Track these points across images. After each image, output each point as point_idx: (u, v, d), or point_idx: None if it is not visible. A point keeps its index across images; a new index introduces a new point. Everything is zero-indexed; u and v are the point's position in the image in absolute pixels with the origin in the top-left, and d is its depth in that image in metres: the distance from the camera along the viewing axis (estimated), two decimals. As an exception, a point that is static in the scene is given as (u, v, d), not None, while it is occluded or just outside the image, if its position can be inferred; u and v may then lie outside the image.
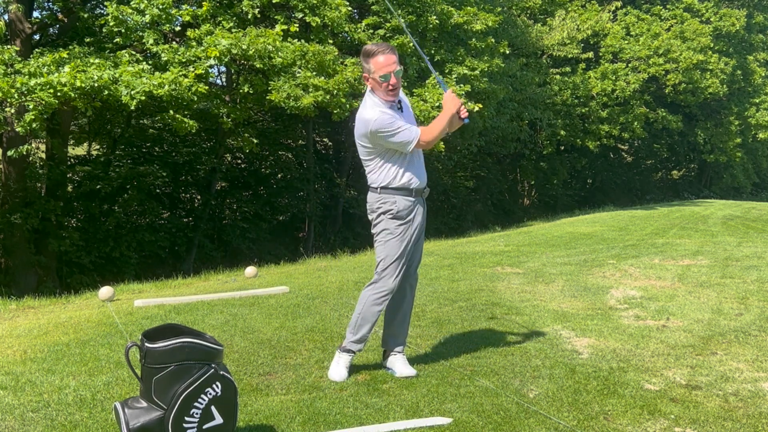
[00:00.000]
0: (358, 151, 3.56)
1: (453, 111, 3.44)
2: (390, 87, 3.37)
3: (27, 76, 8.72)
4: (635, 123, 21.67)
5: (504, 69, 14.48)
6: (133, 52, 10.08)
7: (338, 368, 3.56)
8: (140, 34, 9.80)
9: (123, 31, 9.69)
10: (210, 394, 2.53)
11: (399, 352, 3.68)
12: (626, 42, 21.28)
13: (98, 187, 13.89)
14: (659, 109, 23.14)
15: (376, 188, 3.50)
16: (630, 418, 3.02)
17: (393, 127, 3.37)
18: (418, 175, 3.51)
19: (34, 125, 8.79)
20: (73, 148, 16.08)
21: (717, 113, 25.89)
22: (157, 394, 2.48)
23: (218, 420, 2.56)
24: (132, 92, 8.85)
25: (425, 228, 3.67)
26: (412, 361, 3.78)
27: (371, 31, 12.01)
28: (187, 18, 10.16)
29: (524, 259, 8.12)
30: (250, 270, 7.49)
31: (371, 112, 3.39)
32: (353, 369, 3.67)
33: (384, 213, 3.48)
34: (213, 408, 2.54)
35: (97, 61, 9.21)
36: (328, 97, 10.11)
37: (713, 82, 21.52)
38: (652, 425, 2.95)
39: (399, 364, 3.62)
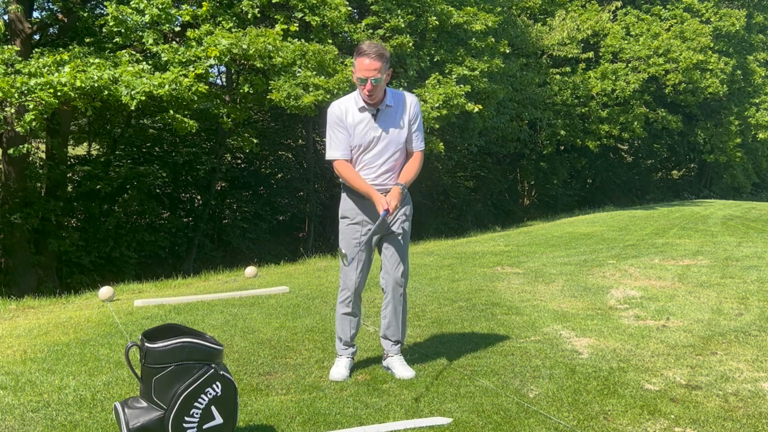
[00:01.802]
0: None
1: (375, 200, 3.40)
2: (366, 92, 3.37)
3: (27, 76, 8.72)
4: (635, 123, 21.66)
5: (504, 69, 14.48)
6: (133, 52, 10.09)
7: (336, 368, 3.59)
8: (140, 34, 9.80)
9: (123, 31, 9.69)
10: (210, 394, 2.53)
11: (395, 354, 3.67)
12: (626, 42, 21.27)
13: (98, 187, 13.88)
14: (659, 109, 23.13)
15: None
16: (630, 418, 3.02)
17: (329, 131, 3.53)
18: (368, 176, 3.48)
19: (33, 125, 8.79)
20: (73, 148, 16.08)
21: (717, 113, 25.89)
22: (157, 394, 2.48)
23: (218, 420, 2.56)
24: (132, 92, 8.85)
25: (407, 227, 3.62)
26: (412, 361, 3.78)
27: (371, 31, 12.01)
28: (187, 18, 10.16)
29: (524, 259, 8.12)
30: (250, 270, 7.49)
31: (336, 101, 3.52)
32: (353, 369, 3.67)
33: (339, 211, 3.63)
34: (213, 408, 2.54)
35: (97, 61, 9.21)
36: (328, 96, 10.11)
37: (713, 82, 21.51)
38: (652, 425, 2.95)
39: (397, 366, 3.62)
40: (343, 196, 3.59)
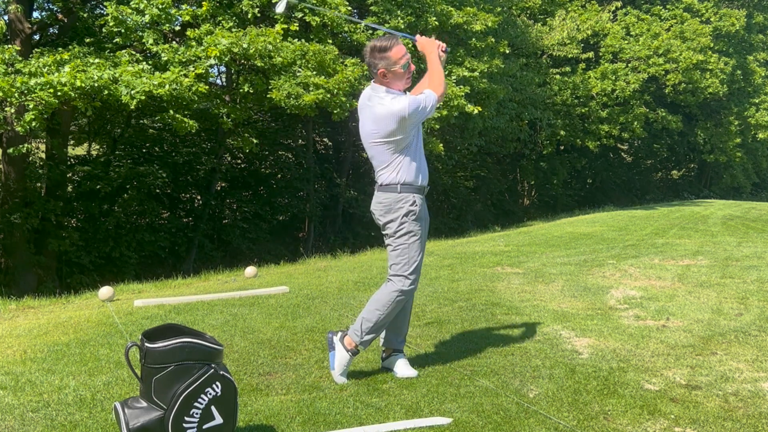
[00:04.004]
0: (374, 151, 3.48)
1: (436, 51, 3.50)
2: (409, 74, 3.43)
3: (27, 76, 8.72)
4: (635, 123, 21.67)
5: (504, 69, 14.48)
6: (133, 52, 10.09)
7: (342, 370, 3.50)
8: (140, 34, 9.80)
9: (123, 31, 9.70)
10: (210, 394, 2.53)
11: (400, 352, 3.68)
12: (626, 42, 21.28)
13: (98, 187, 13.89)
14: (659, 109, 23.14)
15: (396, 186, 3.43)
16: (630, 418, 3.02)
17: (421, 101, 3.39)
18: (425, 171, 3.53)
19: (34, 125, 8.79)
20: (73, 148, 16.08)
21: (717, 113, 25.90)
22: (157, 394, 2.48)
23: (218, 420, 2.56)
24: (132, 92, 8.85)
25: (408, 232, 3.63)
26: (412, 361, 3.78)
27: (370, 31, 12.02)
28: (187, 18, 10.16)
29: (524, 259, 8.12)
30: (250, 270, 7.48)
31: (401, 101, 3.36)
32: (354, 369, 3.67)
33: (407, 214, 3.42)
34: (213, 408, 2.54)
35: (97, 61, 9.22)
36: (328, 96, 10.11)
37: (713, 82, 21.52)
38: (652, 425, 2.95)
39: (400, 365, 3.62)
40: (415, 197, 3.44)
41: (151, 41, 9.69)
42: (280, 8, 3.73)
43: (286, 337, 4.41)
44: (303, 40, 10.58)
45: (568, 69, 20.39)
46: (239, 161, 18.61)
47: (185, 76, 9.41)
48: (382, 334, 3.70)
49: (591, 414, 3.06)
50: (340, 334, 3.56)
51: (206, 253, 15.60)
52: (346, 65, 10.90)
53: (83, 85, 8.60)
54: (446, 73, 12.74)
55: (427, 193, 3.62)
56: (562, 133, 20.56)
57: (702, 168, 30.80)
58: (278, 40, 10.09)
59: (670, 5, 23.66)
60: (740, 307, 5.21)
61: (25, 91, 8.59)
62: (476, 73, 12.80)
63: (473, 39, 13.33)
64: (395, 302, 3.46)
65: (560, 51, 18.67)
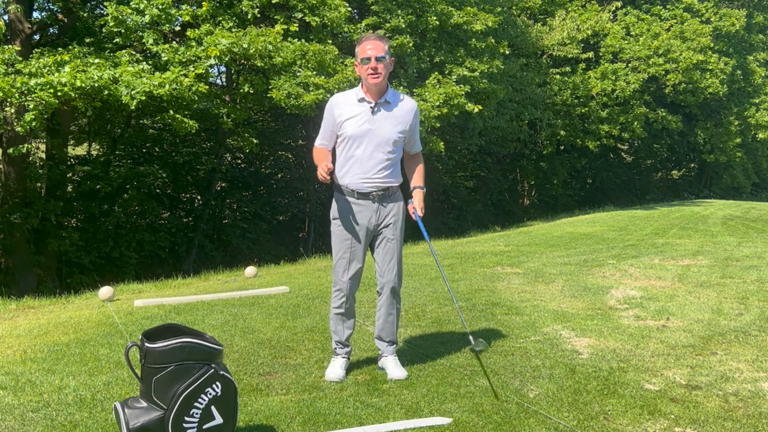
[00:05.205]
0: None
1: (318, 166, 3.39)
2: (370, 70, 3.38)
3: (27, 76, 8.72)
4: (635, 123, 21.65)
5: (504, 69, 14.48)
6: (133, 52, 10.10)
7: (332, 369, 3.58)
8: (140, 34, 9.80)
9: (123, 31, 9.70)
10: (210, 394, 2.53)
11: (390, 354, 3.65)
12: (626, 42, 21.26)
13: (98, 187, 13.88)
14: (659, 109, 23.13)
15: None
16: (630, 418, 3.02)
17: (323, 122, 3.56)
18: (360, 175, 3.46)
19: (34, 125, 8.79)
20: (73, 148, 16.07)
21: (717, 113, 25.88)
22: (157, 394, 2.48)
23: (218, 420, 2.56)
24: (132, 92, 8.85)
25: (401, 228, 3.62)
26: (413, 361, 3.78)
27: (370, 31, 12.02)
28: (187, 18, 10.16)
29: (524, 259, 8.12)
30: (250, 270, 7.49)
31: (338, 93, 3.60)
32: (354, 369, 3.67)
33: (331, 210, 3.61)
34: (213, 408, 2.54)
35: (97, 61, 9.22)
36: (328, 96, 10.12)
37: (713, 82, 21.50)
38: (652, 425, 2.95)
39: (390, 366, 3.60)
40: (336, 198, 3.57)
41: (151, 41, 9.69)
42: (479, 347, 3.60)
43: (286, 337, 4.42)
44: (303, 40, 10.58)
45: (568, 69, 20.36)
46: (239, 161, 18.60)
47: (185, 76, 9.41)
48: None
49: (591, 414, 3.06)
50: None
51: (206, 253, 15.60)
52: (346, 65, 10.90)
53: (83, 85, 8.60)
54: (446, 72, 12.76)
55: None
56: (562, 133, 20.55)
57: (702, 168, 30.79)
58: (278, 40, 10.09)
59: (670, 5, 23.64)
60: (740, 307, 5.21)
61: (25, 92, 8.58)
62: (476, 74, 12.81)
63: (473, 39, 13.34)
64: (331, 297, 3.65)
65: (560, 51, 18.66)
